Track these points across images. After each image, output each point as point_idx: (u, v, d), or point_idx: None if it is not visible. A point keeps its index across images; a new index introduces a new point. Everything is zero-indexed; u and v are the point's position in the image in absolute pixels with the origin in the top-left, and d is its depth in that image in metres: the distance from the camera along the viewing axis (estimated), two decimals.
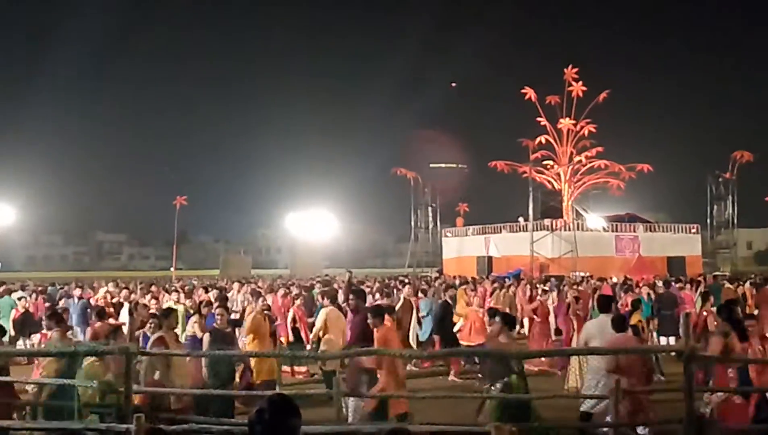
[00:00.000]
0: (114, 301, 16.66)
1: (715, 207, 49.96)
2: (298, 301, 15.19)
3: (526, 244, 40.32)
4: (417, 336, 15.42)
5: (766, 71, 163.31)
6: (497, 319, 8.61)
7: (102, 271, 76.57)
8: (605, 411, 7.91)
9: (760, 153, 48.90)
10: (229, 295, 19.12)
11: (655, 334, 16.03)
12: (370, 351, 8.43)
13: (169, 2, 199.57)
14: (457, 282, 23.10)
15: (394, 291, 19.29)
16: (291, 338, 14.00)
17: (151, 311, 12.31)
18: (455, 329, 14.47)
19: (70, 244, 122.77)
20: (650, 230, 45.26)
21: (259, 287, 20.20)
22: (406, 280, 22.97)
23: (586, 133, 47.97)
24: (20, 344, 16.32)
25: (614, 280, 23.72)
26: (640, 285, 19.81)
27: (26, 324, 16.81)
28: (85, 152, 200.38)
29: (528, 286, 20.05)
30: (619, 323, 8.59)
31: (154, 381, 7.97)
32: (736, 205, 49.31)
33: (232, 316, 13.80)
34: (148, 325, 10.00)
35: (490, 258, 43.82)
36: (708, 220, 50.21)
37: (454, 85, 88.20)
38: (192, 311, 13.79)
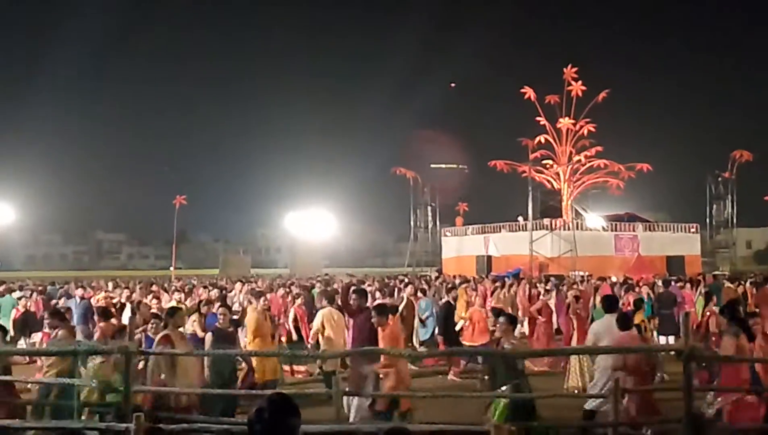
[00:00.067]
0: (115, 301, 16.64)
1: (715, 206, 49.94)
2: (299, 301, 15.20)
3: (525, 243, 40.33)
4: (418, 335, 15.45)
5: (765, 71, 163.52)
6: (502, 319, 8.59)
7: (101, 271, 76.55)
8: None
9: (759, 152, 49.01)
10: (231, 294, 19.13)
11: (655, 333, 16.03)
12: (368, 350, 8.46)
13: (169, 2, 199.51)
14: (458, 281, 23.09)
15: (396, 291, 19.31)
16: (295, 337, 14.01)
17: (153, 311, 12.32)
18: (458, 329, 14.48)
19: (69, 244, 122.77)
20: (649, 229, 45.25)
21: (258, 287, 20.20)
22: (406, 280, 22.98)
23: (586, 132, 47.95)
24: (20, 344, 16.31)
25: (614, 279, 23.72)
26: (640, 284, 19.81)
27: (27, 323, 16.80)
28: (85, 152, 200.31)
29: (527, 286, 20.06)
30: (624, 322, 8.64)
31: (161, 381, 7.98)
32: (736, 204, 49.37)
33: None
34: (150, 325, 10.01)
35: (489, 257, 43.79)
36: (707, 220, 50.22)
37: (453, 85, 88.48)
38: (191, 311, 13.79)
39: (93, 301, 17.10)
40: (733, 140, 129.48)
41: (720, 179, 49.05)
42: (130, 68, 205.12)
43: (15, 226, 56.78)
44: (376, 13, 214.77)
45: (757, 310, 14.59)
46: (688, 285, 19.52)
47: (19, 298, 17.93)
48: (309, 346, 12.45)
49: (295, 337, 14.02)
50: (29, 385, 9.05)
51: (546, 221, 42.53)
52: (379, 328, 8.91)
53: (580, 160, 48.13)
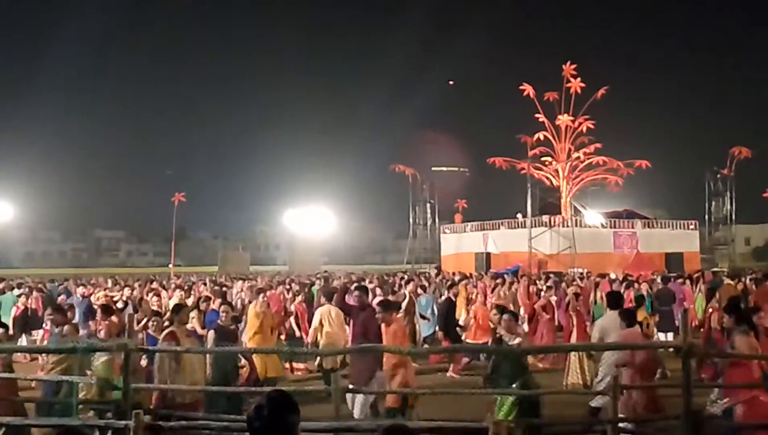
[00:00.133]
0: (116, 299, 16.60)
1: (713, 203, 49.92)
2: (299, 298, 15.19)
3: (524, 240, 40.31)
4: (419, 332, 15.47)
5: (764, 70, 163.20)
6: (506, 316, 8.58)
7: (100, 268, 76.54)
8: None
9: (758, 149, 48.93)
10: (233, 291, 19.11)
11: (654, 329, 16.04)
12: (367, 348, 8.47)
13: (169, 2, 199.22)
14: (457, 278, 23.10)
15: (398, 287, 19.31)
16: (297, 334, 14.02)
17: (154, 309, 12.31)
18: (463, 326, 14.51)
19: (68, 241, 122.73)
20: (648, 226, 45.26)
21: (257, 284, 20.19)
22: (407, 277, 22.96)
23: (585, 129, 47.92)
24: (21, 341, 16.28)
25: (613, 276, 23.72)
26: (640, 281, 19.82)
27: (27, 321, 16.77)
28: (84, 150, 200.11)
29: (528, 283, 20.03)
30: (629, 318, 8.66)
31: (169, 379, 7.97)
32: (734, 201, 49.31)
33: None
34: (150, 323, 10.00)
35: (488, 254, 43.80)
36: (706, 217, 50.20)
37: (451, 82, 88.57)
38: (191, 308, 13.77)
39: (93, 299, 17.08)
40: (732, 137, 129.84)
41: (719, 176, 49.03)
42: (130, 67, 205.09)
43: (14, 224, 56.69)
44: (375, 12, 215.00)
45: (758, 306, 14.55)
46: (687, 281, 19.54)
47: (19, 296, 17.90)
48: (307, 344, 12.46)
49: (298, 333, 14.04)
50: (32, 383, 9.04)
51: (545, 218, 42.50)
52: (384, 325, 8.94)
53: (579, 157, 48.12)
